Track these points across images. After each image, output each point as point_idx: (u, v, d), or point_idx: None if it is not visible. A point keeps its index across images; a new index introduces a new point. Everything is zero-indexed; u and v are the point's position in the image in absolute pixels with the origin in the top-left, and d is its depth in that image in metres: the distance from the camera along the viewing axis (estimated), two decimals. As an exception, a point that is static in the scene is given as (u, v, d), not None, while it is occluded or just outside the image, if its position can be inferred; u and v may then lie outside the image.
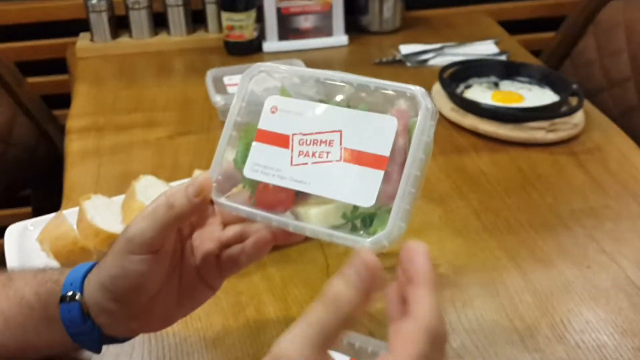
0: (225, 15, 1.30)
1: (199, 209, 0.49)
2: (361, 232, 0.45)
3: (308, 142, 0.47)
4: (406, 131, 0.45)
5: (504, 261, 0.76)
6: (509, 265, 0.75)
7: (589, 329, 0.66)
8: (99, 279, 0.50)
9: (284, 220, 0.47)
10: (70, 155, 1.00)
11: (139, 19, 1.34)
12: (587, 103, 1.07)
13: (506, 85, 1.12)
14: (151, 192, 0.75)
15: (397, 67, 1.25)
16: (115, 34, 1.35)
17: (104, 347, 0.54)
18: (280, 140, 0.48)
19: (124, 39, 1.36)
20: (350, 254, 0.41)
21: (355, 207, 0.45)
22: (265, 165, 0.48)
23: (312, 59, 1.26)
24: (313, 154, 0.47)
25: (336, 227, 0.46)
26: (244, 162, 0.49)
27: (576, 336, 0.65)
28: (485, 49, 1.31)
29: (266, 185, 0.48)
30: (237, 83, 1.08)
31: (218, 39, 1.35)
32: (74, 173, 0.95)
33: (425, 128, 0.44)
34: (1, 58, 1.28)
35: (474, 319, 0.68)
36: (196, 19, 1.38)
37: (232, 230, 0.52)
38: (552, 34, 1.45)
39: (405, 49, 1.31)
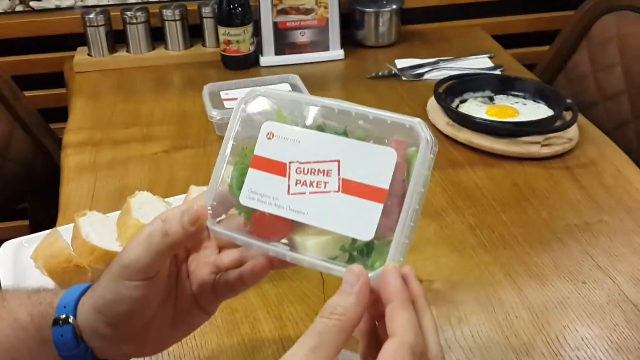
0: (222, 30, 1.30)
1: (194, 237, 0.49)
2: (358, 263, 0.45)
3: (305, 171, 0.47)
4: (405, 162, 0.45)
5: (500, 277, 0.76)
6: (505, 281, 0.75)
7: (584, 346, 0.66)
8: (92, 303, 0.49)
9: (281, 251, 0.47)
10: (66, 170, 1.00)
11: (137, 33, 1.35)
12: (581, 117, 1.07)
13: (501, 100, 1.13)
14: (147, 208, 0.75)
15: (392, 81, 1.26)
16: (112, 49, 1.36)
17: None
18: (277, 168, 0.48)
19: (121, 54, 1.37)
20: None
21: (354, 240, 0.45)
22: (262, 193, 0.48)
23: (309, 73, 1.26)
24: (311, 184, 0.46)
25: (334, 258, 0.46)
26: (239, 187, 0.49)
27: (571, 353, 0.66)
28: (480, 63, 1.32)
29: (262, 213, 0.48)
30: (234, 98, 1.11)
31: (215, 53, 1.35)
32: (70, 188, 0.95)
33: (425, 161, 0.44)
34: (-2, 72, 1.28)
35: (470, 336, 0.68)
36: (194, 34, 1.39)
37: (229, 256, 0.52)
38: (546, 48, 1.46)
39: (401, 63, 1.32)
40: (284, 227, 0.47)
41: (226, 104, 1.08)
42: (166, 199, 0.83)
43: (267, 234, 0.48)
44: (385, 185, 0.44)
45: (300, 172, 0.47)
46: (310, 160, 0.47)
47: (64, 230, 0.76)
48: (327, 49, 1.36)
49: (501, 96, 1.13)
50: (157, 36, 1.37)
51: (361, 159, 0.46)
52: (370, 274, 0.43)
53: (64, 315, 0.50)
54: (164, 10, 1.34)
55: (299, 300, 0.72)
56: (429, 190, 1.01)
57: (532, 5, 1.58)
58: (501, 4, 1.57)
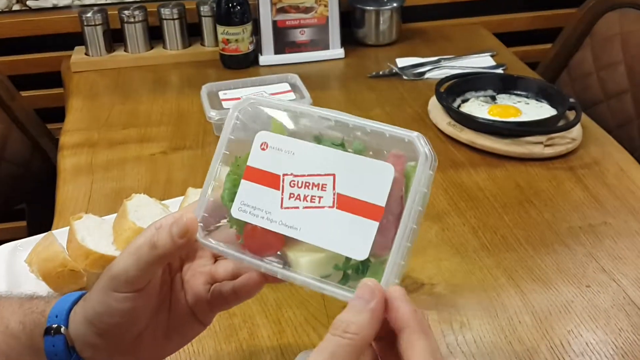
0: (221, 28, 1.29)
1: (184, 249, 0.48)
2: (352, 282, 0.43)
3: (300, 185, 0.45)
4: (403, 177, 0.43)
5: (502, 280, 0.75)
6: (507, 284, 0.74)
7: (588, 351, 0.65)
8: (84, 313, 0.48)
9: (273, 269, 0.45)
10: (62, 171, 0.99)
11: (134, 32, 1.34)
12: (584, 117, 1.06)
13: (503, 99, 1.11)
14: (143, 211, 0.74)
15: (393, 80, 1.25)
16: (110, 48, 1.35)
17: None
18: (270, 180, 0.46)
19: (119, 53, 1.35)
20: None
21: (348, 258, 0.44)
22: (254, 206, 0.46)
23: (309, 72, 1.25)
24: (305, 198, 0.45)
25: (327, 276, 0.44)
26: (231, 199, 0.47)
27: (576, 359, 0.64)
28: (481, 61, 1.31)
29: (255, 226, 0.46)
30: (232, 98, 1.09)
31: (214, 52, 1.34)
32: (66, 190, 0.94)
33: (423, 179, 0.42)
34: (-5, 72, 1.27)
35: (472, 342, 0.66)
36: (192, 33, 1.37)
37: (224, 268, 0.51)
38: (548, 46, 1.45)
39: (402, 62, 1.30)
40: (276, 242, 0.46)
41: (225, 104, 1.06)
42: (163, 202, 0.81)
43: (259, 248, 0.46)
44: (382, 202, 0.43)
45: (294, 185, 0.45)
46: (305, 174, 0.45)
47: (59, 234, 0.75)
48: (327, 47, 1.35)
49: (503, 95, 1.12)
50: (155, 35, 1.36)
51: (358, 173, 0.44)
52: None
53: (55, 325, 0.49)
54: (162, 9, 1.33)
55: (298, 305, 0.71)
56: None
57: (534, 3, 1.57)
58: (503, 1, 1.56)
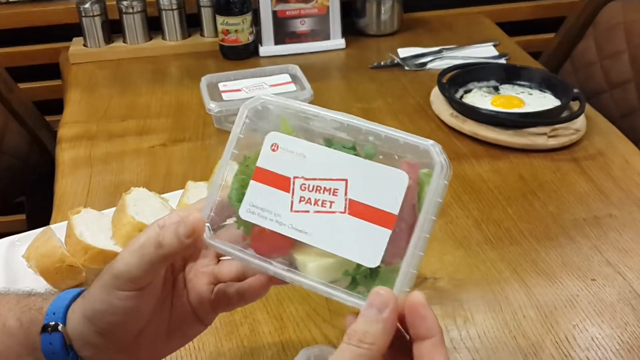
0: (220, 19, 1.27)
1: (189, 249, 0.47)
2: (361, 288, 0.43)
3: (310, 188, 0.44)
4: (416, 185, 0.42)
5: (506, 274, 0.74)
6: (512, 278, 0.73)
7: (594, 346, 0.64)
8: (83, 311, 0.47)
9: (280, 272, 0.45)
10: (61, 165, 0.98)
11: (133, 23, 1.32)
12: (588, 107, 1.05)
13: (506, 90, 1.10)
14: (142, 205, 0.73)
15: (395, 71, 1.23)
16: (108, 39, 1.33)
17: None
18: (280, 182, 0.45)
19: (117, 44, 1.34)
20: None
21: (358, 265, 0.43)
22: (263, 207, 0.45)
23: (309, 63, 1.24)
24: (315, 202, 0.44)
25: (335, 281, 0.43)
26: (239, 200, 0.46)
27: (581, 354, 0.63)
28: (484, 51, 1.29)
29: (263, 228, 0.45)
30: (232, 89, 1.08)
31: (214, 43, 1.33)
32: (65, 184, 0.93)
33: (438, 188, 0.41)
34: (-8, 64, 1.26)
35: (476, 337, 0.65)
36: (191, 23, 1.36)
37: (228, 269, 0.50)
38: (551, 35, 1.43)
39: (404, 52, 1.29)
40: (284, 245, 0.45)
41: (224, 95, 1.05)
42: (162, 195, 0.80)
43: (266, 250, 0.45)
44: (395, 210, 0.42)
45: (305, 188, 0.45)
46: (317, 177, 0.44)
47: (57, 228, 0.74)
48: (327, 38, 1.33)
49: (506, 86, 1.11)
50: (154, 26, 1.34)
51: (371, 180, 0.43)
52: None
53: (53, 323, 0.48)
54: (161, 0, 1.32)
55: (300, 300, 0.70)
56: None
57: (537, -8, 1.55)
58: (505, -10, 1.54)
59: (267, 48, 1.32)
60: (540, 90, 1.09)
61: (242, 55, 1.30)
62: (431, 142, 0.42)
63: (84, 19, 1.30)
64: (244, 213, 0.46)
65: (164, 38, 1.35)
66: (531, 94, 1.08)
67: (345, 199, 0.43)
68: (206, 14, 1.34)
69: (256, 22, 1.31)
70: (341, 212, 0.43)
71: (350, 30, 1.37)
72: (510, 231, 0.81)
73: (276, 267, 0.45)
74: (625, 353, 0.63)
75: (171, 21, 1.33)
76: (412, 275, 0.41)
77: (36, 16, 1.39)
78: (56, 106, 1.29)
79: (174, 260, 0.50)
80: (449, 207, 0.85)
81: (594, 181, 0.90)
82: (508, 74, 1.12)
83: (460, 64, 1.17)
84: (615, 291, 0.71)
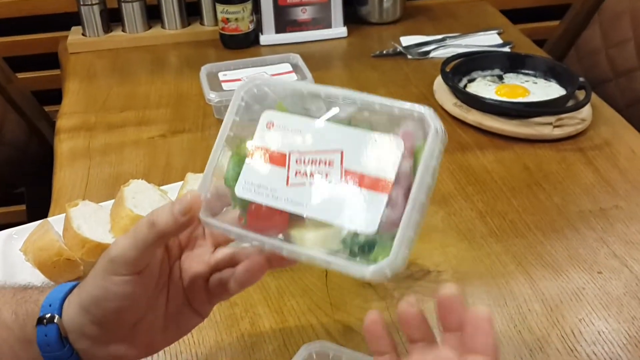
0: (220, 7, 1.25)
1: (184, 228, 0.46)
2: (359, 258, 0.42)
3: (306, 162, 0.44)
4: (412, 154, 0.42)
5: (511, 267, 0.72)
6: (516, 271, 0.72)
7: (601, 341, 0.63)
8: (79, 301, 0.47)
9: (278, 244, 0.44)
10: (59, 156, 0.97)
11: (132, 11, 1.30)
12: (594, 96, 1.03)
13: (511, 78, 1.08)
14: (140, 198, 0.72)
15: (397, 60, 1.22)
16: (107, 28, 1.32)
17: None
18: (276, 159, 0.45)
19: (116, 33, 1.32)
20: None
21: (356, 233, 0.42)
22: (259, 184, 0.45)
23: (311, 52, 1.22)
24: (311, 174, 0.44)
25: (333, 253, 0.43)
26: (235, 179, 0.46)
27: (588, 349, 0.62)
28: (488, 39, 1.27)
29: (259, 205, 0.45)
30: (232, 79, 1.06)
31: (214, 32, 1.31)
32: (63, 175, 0.92)
33: (434, 152, 0.41)
34: (-10, 54, 1.24)
35: (480, 331, 0.64)
36: (191, 12, 1.34)
37: (222, 253, 0.49)
38: (556, 22, 1.41)
39: (406, 40, 1.27)
40: (281, 221, 0.44)
41: (224, 85, 1.04)
42: (162, 187, 0.79)
43: (263, 228, 0.45)
44: (391, 176, 0.42)
45: (301, 162, 0.44)
46: (312, 150, 0.44)
47: (55, 221, 0.73)
48: (329, 26, 1.32)
49: (511, 75, 1.09)
50: (153, 15, 1.33)
51: (366, 149, 0.43)
52: (370, 267, 0.41)
53: (48, 315, 0.47)
54: (160, -13, 1.30)
55: (301, 293, 0.69)
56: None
57: (542, -21, 1.53)
58: (510, -23, 1.52)
59: (268, 37, 1.30)
60: (545, 79, 1.07)
61: (243, 44, 1.28)
62: (425, 107, 0.42)
63: (82, 7, 1.28)
64: (240, 191, 0.46)
65: (163, 27, 1.33)
66: (536, 83, 1.06)
67: (341, 169, 0.43)
68: (206, 2, 1.32)
69: (257, 10, 1.29)
70: (337, 182, 0.43)
71: (352, 18, 1.35)
72: (515, 223, 0.79)
73: (272, 240, 0.44)
74: (632, 348, 0.62)
75: (170, 9, 1.32)
76: (410, 239, 0.41)
77: (34, 5, 1.37)
78: (55, 96, 1.28)
79: (170, 246, 0.49)
80: (452, 199, 0.84)
81: (600, 172, 0.89)
82: (512, 63, 1.10)
83: (464, 52, 1.15)
84: (622, 284, 0.70)
